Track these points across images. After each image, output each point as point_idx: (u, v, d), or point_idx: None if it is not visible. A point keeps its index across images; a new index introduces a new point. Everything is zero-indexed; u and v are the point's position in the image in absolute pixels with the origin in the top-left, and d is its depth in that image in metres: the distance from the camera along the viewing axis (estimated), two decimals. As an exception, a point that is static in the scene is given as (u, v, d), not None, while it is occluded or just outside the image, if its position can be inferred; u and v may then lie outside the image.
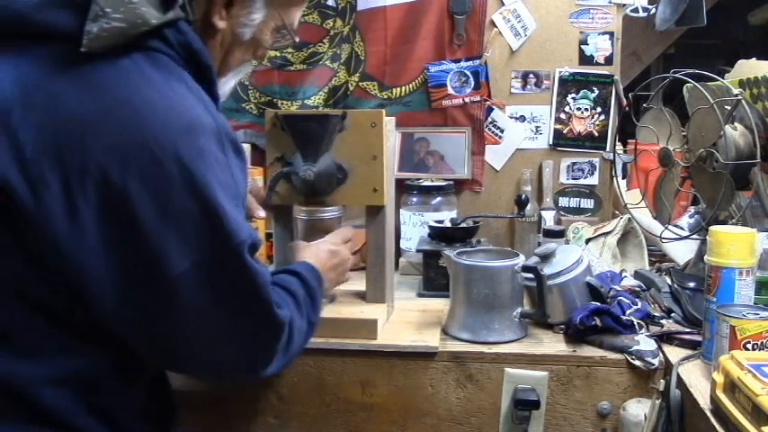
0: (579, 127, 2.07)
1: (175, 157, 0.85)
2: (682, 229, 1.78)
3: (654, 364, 1.32)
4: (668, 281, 1.60)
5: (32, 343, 0.89)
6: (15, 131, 0.83)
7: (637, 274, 1.70)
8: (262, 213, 1.40)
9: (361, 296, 1.53)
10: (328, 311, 1.45)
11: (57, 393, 0.90)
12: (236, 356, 1.00)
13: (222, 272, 0.91)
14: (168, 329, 0.92)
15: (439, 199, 1.97)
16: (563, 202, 2.09)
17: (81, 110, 0.84)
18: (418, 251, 1.77)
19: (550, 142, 2.08)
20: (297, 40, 1.16)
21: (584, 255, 1.51)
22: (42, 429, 0.90)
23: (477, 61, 2.06)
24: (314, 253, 1.31)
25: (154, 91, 0.88)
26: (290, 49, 2.13)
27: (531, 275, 1.41)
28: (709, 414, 1.06)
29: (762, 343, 1.11)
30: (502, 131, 2.09)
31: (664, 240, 1.67)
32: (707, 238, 1.25)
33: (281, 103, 2.14)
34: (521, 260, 1.45)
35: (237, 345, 0.98)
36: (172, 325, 0.91)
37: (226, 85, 1.11)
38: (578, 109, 2.06)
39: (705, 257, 1.25)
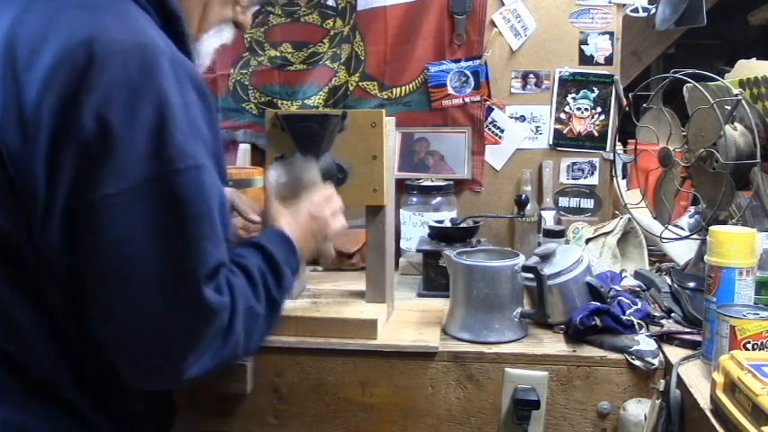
0: (579, 127, 2.07)
1: (123, 65, 0.86)
2: (682, 229, 1.78)
3: (654, 364, 1.32)
4: (668, 281, 1.60)
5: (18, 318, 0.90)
6: None
7: (637, 274, 1.70)
8: (255, 217, 1.38)
9: (361, 296, 1.53)
10: (328, 311, 1.45)
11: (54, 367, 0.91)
12: (156, 328, 0.89)
13: (157, 199, 0.87)
14: (90, 254, 0.87)
15: (439, 199, 1.97)
16: (563, 202, 2.09)
17: (39, 29, 0.89)
18: (418, 251, 1.77)
19: (550, 142, 2.08)
20: None
21: (584, 255, 1.51)
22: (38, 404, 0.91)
23: (477, 61, 2.06)
24: (289, 220, 1.16)
25: (112, 16, 0.90)
26: (289, 49, 2.13)
27: (531, 275, 1.41)
28: (709, 414, 1.06)
29: (762, 343, 1.11)
30: (502, 131, 2.09)
31: (664, 240, 1.67)
32: (707, 238, 1.25)
33: (281, 103, 2.14)
34: (521, 260, 1.45)
35: (159, 310, 0.88)
36: (95, 249, 0.87)
37: (206, 43, 1.09)
38: (578, 109, 2.06)
39: (705, 257, 1.25)
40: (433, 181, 2.01)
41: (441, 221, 1.81)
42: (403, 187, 1.98)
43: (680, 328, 1.43)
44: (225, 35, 1.13)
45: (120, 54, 0.86)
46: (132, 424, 1.02)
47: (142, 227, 0.86)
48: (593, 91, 2.05)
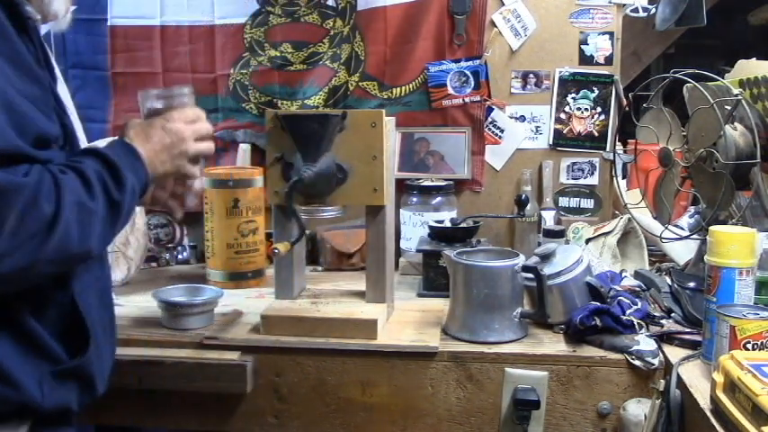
0: (579, 127, 2.07)
1: None
2: (682, 229, 1.78)
3: (654, 364, 1.32)
4: (668, 281, 1.60)
5: None
6: None
7: (637, 274, 1.70)
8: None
9: (361, 296, 1.53)
10: (328, 311, 1.45)
11: None
12: None
13: None
14: None
15: (439, 199, 1.97)
16: (563, 202, 2.09)
17: None
18: (418, 251, 1.77)
19: (550, 142, 2.08)
20: None
21: (584, 255, 1.51)
22: None
23: (477, 61, 2.06)
24: (137, 131, 1.12)
25: None
26: (289, 49, 2.13)
27: (531, 275, 1.41)
28: (709, 414, 1.06)
29: (762, 343, 1.12)
30: (502, 131, 2.09)
31: (664, 240, 1.67)
32: (707, 238, 1.25)
33: (281, 103, 2.14)
34: (521, 260, 1.45)
35: None
36: None
37: (53, 3, 1.06)
38: (578, 109, 2.06)
39: (705, 257, 1.25)
40: (433, 181, 2.01)
41: (441, 221, 1.81)
42: (403, 187, 1.97)
43: (680, 328, 1.43)
44: None
45: None
46: (29, 343, 1.00)
47: None
48: (593, 91, 2.05)
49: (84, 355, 1.04)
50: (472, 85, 2.07)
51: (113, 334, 1.19)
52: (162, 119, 1.15)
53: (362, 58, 2.11)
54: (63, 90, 1.22)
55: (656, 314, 1.49)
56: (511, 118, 2.09)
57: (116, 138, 1.12)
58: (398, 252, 1.91)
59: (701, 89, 1.43)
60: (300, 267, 1.60)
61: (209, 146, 1.21)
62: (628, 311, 1.42)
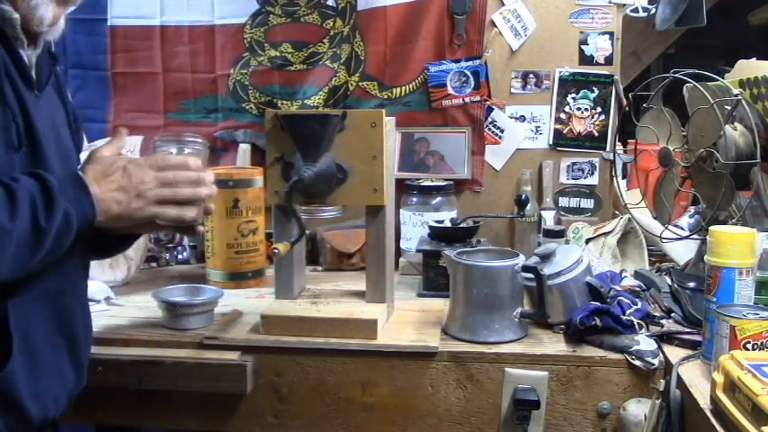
0: (579, 127, 2.07)
1: None
2: (682, 229, 1.78)
3: (654, 364, 1.32)
4: (668, 281, 1.60)
5: None
6: None
7: (637, 274, 1.70)
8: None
9: (361, 296, 1.53)
10: (328, 311, 1.45)
11: None
12: None
13: None
14: None
15: (439, 199, 1.97)
16: (563, 202, 2.09)
17: None
18: (418, 251, 1.77)
19: (550, 142, 2.08)
20: None
21: (584, 255, 1.51)
22: None
23: (477, 61, 2.06)
24: (98, 168, 1.07)
25: None
26: (289, 49, 2.13)
27: (531, 275, 1.41)
28: (709, 414, 1.06)
29: (762, 343, 1.12)
30: (502, 131, 2.09)
31: (664, 240, 1.67)
32: (707, 238, 1.25)
33: (281, 103, 2.14)
34: (521, 260, 1.44)
35: None
36: None
37: (39, 8, 1.04)
38: (578, 109, 2.06)
39: (705, 257, 1.25)
40: (433, 181, 2.01)
41: (441, 221, 1.81)
42: (403, 187, 1.98)
43: (680, 328, 1.43)
44: None
45: None
46: None
47: None
48: (593, 91, 2.05)
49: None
50: (472, 85, 2.07)
51: (79, 352, 1.14)
52: (126, 159, 1.10)
53: (362, 58, 2.11)
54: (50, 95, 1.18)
55: (656, 314, 1.49)
56: (511, 118, 2.09)
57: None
58: (398, 252, 1.91)
59: (701, 89, 1.43)
60: (300, 267, 1.60)
61: (187, 191, 1.12)
62: (628, 311, 1.41)
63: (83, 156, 1.15)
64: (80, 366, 1.15)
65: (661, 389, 1.24)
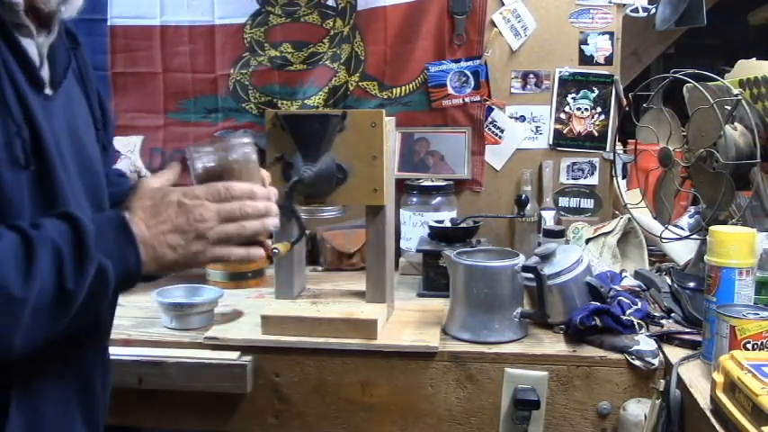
0: (579, 127, 2.07)
1: None
2: (682, 229, 1.78)
3: (654, 364, 1.32)
4: (668, 281, 1.60)
5: None
6: None
7: (637, 274, 1.70)
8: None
9: (361, 296, 1.53)
10: (328, 311, 1.45)
11: None
12: None
13: None
14: None
15: (439, 199, 1.97)
16: (563, 202, 2.09)
17: None
18: (418, 251, 1.77)
19: (550, 142, 2.08)
20: None
21: (584, 255, 1.51)
22: None
23: (477, 61, 2.06)
24: (147, 205, 0.88)
25: None
26: (289, 49, 2.13)
27: (531, 275, 1.41)
28: (709, 414, 1.06)
29: (762, 343, 1.12)
30: (502, 131, 2.09)
31: (664, 240, 1.67)
32: (707, 238, 1.25)
33: (281, 103, 2.14)
34: (521, 260, 1.45)
35: None
36: None
37: None
38: (578, 109, 2.06)
39: (705, 257, 1.25)
40: (433, 181, 2.01)
41: (441, 221, 1.81)
42: (403, 187, 1.98)
43: (680, 328, 1.43)
44: None
45: None
46: None
47: None
48: (593, 91, 2.05)
49: None
50: (472, 85, 2.07)
51: (95, 412, 0.97)
52: (182, 192, 0.89)
53: (362, 58, 2.11)
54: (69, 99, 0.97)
55: (656, 314, 1.49)
56: (511, 118, 2.08)
57: (114, 209, 0.90)
58: (398, 252, 1.91)
59: (701, 89, 1.43)
60: (300, 267, 1.60)
61: (255, 225, 0.93)
62: (628, 311, 1.42)
63: (120, 164, 0.96)
64: (95, 425, 0.97)
65: (661, 389, 1.24)
